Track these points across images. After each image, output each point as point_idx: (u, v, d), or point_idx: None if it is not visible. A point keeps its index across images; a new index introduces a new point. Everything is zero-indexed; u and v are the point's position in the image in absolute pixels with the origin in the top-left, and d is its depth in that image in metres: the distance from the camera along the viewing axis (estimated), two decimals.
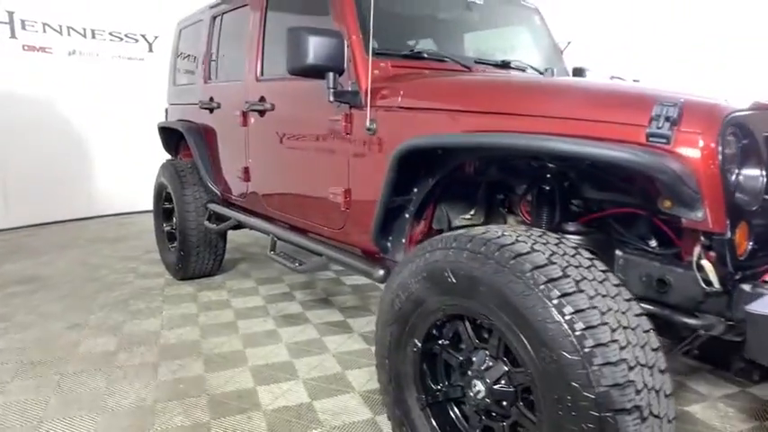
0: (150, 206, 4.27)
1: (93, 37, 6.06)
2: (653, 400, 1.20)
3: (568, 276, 1.26)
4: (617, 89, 1.51)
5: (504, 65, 2.56)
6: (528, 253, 1.32)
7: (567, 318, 1.20)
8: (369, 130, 2.08)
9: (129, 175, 6.31)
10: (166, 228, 4.09)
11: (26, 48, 5.59)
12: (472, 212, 2.15)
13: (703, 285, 1.40)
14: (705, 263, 1.37)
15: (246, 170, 3.08)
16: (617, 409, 1.14)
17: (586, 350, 1.17)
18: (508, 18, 2.96)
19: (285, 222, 2.85)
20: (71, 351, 2.74)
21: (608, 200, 1.74)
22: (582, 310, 1.21)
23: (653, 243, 1.64)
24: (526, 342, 1.27)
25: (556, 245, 1.38)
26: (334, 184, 2.33)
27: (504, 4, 2.94)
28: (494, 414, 1.49)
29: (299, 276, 4.04)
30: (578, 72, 3.10)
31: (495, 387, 1.45)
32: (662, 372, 1.26)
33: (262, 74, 2.87)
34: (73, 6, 5.85)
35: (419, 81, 2.07)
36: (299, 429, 2.05)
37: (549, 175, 1.79)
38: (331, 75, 2.10)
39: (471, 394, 1.50)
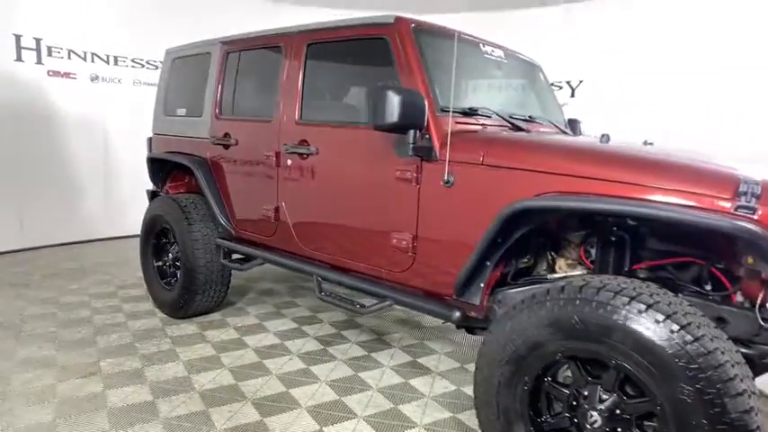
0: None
1: (116, 63, 6.12)
2: (761, 420, 1.52)
3: (692, 323, 1.55)
4: (702, 166, 1.85)
5: (531, 119, 2.89)
6: (655, 304, 1.58)
7: (701, 359, 1.48)
8: (446, 182, 2.27)
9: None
10: (158, 264, 3.90)
11: (51, 73, 5.70)
12: (528, 256, 2.41)
13: (762, 323, 1.78)
14: None
15: (277, 209, 3.10)
16: (750, 429, 1.44)
17: (719, 385, 1.45)
18: (523, 74, 3.30)
19: (326, 262, 2.91)
20: (102, 404, 2.56)
21: (667, 250, 2.09)
22: (711, 352, 1.49)
23: (708, 287, 2.00)
24: (661, 379, 1.53)
25: (664, 294, 1.66)
26: (398, 230, 2.47)
27: (518, 62, 3.28)
28: None
29: (298, 310, 4.05)
30: (573, 123, 3.53)
31: (613, 416, 1.69)
32: (758, 396, 1.58)
33: (301, 117, 2.94)
34: (97, 34, 5.98)
35: (502, 140, 2.27)
36: None
37: (615, 228, 2.11)
38: (412, 131, 2.28)
39: (588, 425, 1.73)
